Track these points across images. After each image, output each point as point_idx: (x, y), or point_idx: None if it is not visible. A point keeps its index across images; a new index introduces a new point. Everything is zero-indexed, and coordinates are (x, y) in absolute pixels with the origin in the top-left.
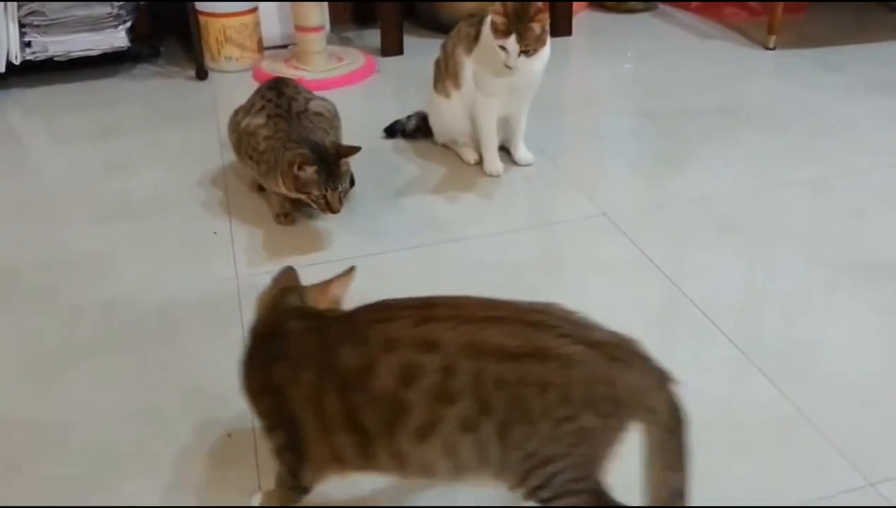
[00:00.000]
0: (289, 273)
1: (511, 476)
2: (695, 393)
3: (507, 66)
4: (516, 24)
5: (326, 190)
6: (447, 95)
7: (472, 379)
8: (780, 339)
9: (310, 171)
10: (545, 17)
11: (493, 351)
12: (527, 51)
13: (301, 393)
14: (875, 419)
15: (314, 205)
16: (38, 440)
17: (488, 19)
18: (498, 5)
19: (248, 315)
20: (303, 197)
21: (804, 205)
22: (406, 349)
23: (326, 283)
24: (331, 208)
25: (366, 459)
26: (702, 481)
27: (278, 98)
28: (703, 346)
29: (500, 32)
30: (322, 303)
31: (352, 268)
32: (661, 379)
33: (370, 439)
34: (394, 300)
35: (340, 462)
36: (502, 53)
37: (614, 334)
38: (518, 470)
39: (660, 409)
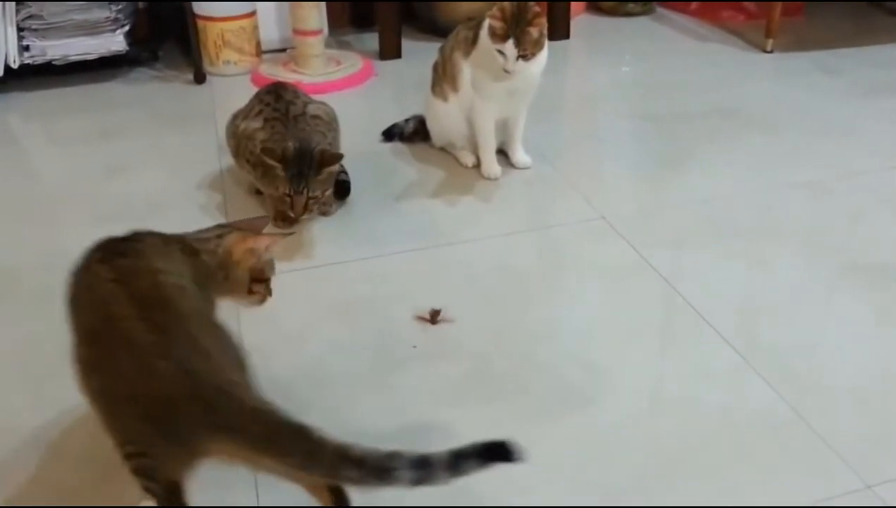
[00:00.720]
0: (259, 222)
1: None
2: (693, 396)
3: (506, 71)
4: (514, 28)
5: (291, 190)
6: (445, 99)
7: None
8: (779, 342)
9: (286, 154)
10: (543, 21)
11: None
12: (525, 55)
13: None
14: (873, 421)
15: (275, 210)
16: (36, 443)
17: (486, 23)
18: (496, 9)
19: (244, 317)
20: (269, 190)
21: (803, 208)
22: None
23: (248, 235)
24: (293, 209)
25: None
26: (700, 484)
27: (276, 102)
28: (702, 350)
29: (498, 37)
30: (236, 253)
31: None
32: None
33: None
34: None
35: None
36: (500, 58)
37: None
38: None
39: None
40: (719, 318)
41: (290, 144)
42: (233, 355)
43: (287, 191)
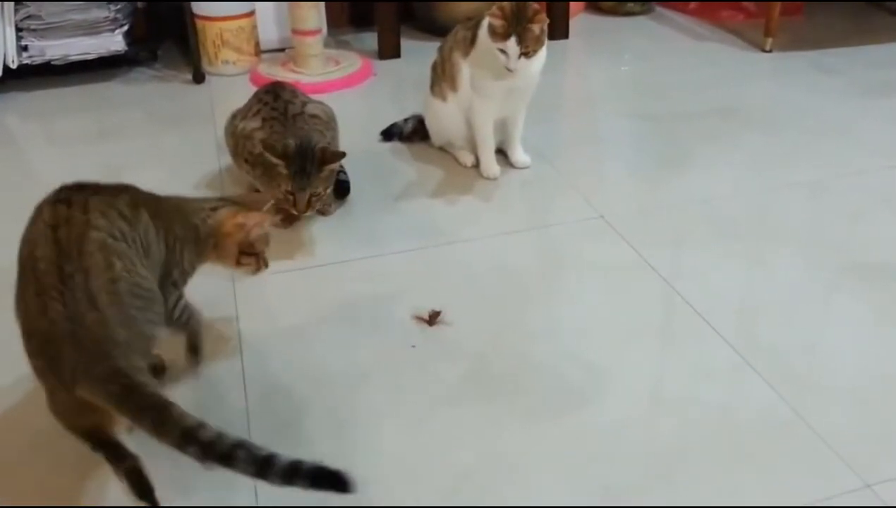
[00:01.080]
0: (261, 198)
1: None
2: (693, 396)
3: (508, 69)
4: (516, 26)
5: (295, 187)
6: (444, 98)
7: None
8: (779, 342)
9: (276, 158)
10: (544, 18)
11: None
12: (527, 52)
13: None
14: (872, 421)
15: (283, 204)
16: (33, 445)
17: (485, 23)
18: (496, 8)
19: (244, 315)
20: (272, 188)
21: (802, 207)
22: None
23: (241, 210)
24: (296, 206)
25: None
26: (699, 484)
27: (275, 101)
28: (701, 350)
29: (499, 35)
30: (226, 226)
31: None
32: None
33: None
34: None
35: None
36: (502, 56)
37: None
38: None
39: None
40: (719, 318)
41: (291, 141)
42: (136, 331)
43: (289, 189)
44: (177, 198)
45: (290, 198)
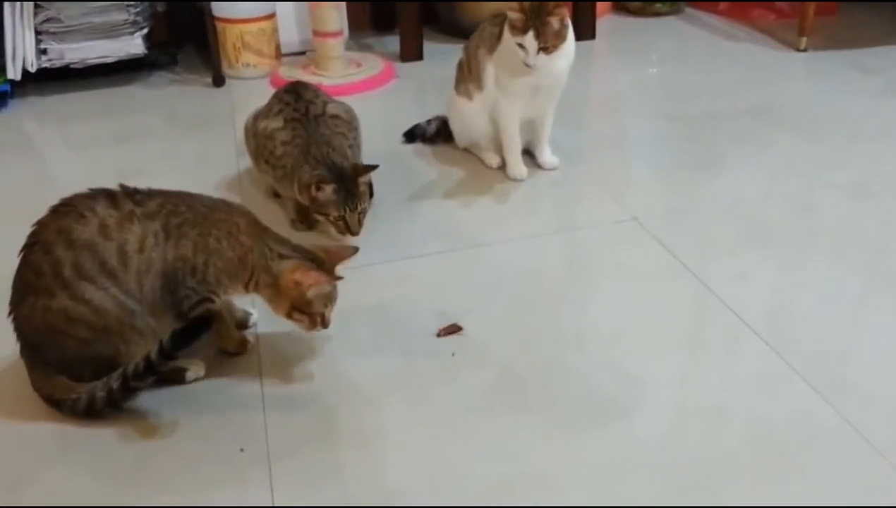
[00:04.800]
0: (346, 251)
1: None
2: (736, 406)
3: (526, 65)
4: (534, 19)
5: (345, 210)
6: (469, 97)
7: None
8: (826, 349)
9: (328, 191)
10: (563, 12)
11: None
12: (546, 47)
13: None
14: None
15: (333, 229)
16: (38, 450)
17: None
18: (515, 3)
19: (263, 319)
20: (321, 218)
21: (841, 210)
22: None
23: (302, 267)
24: (350, 230)
25: None
26: (746, 499)
27: (296, 101)
28: (744, 358)
29: (518, 30)
30: (284, 278)
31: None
32: None
33: None
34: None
35: None
36: (521, 52)
37: None
38: None
39: None
40: (761, 324)
41: (324, 171)
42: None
43: (339, 213)
44: (254, 227)
45: (341, 222)
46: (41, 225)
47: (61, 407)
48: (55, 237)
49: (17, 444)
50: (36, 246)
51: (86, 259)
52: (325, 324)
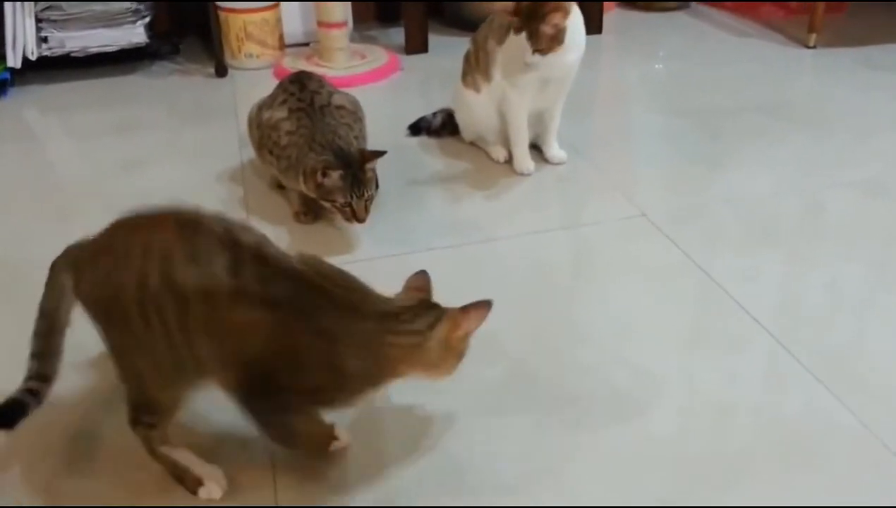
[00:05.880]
0: (482, 306)
1: None
2: (749, 404)
3: (525, 63)
4: (528, 23)
5: (352, 197)
6: (477, 89)
7: None
8: (836, 346)
9: (334, 177)
10: (558, 17)
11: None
12: (540, 50)
13: None
14: None
15: (340, 215)
16: (40, 445)
17: None
18: (510, 4)
19: None
20: (328, 205)
21: (855, 207)
22: None
23: (456, 319)
24: (356, 217)
25: None
26: (758, 491)
27: (301, 91)
28: (754, 353)
29: (515, 30)
30: (452, 342)
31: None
32: None
33: None
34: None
35: None
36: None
37: None
38: None
39: None
40: (774, 321)
41: (330, 156)
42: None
43: (346, 200)
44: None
45: (348, 209)
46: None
47: None
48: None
49: None
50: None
51: None
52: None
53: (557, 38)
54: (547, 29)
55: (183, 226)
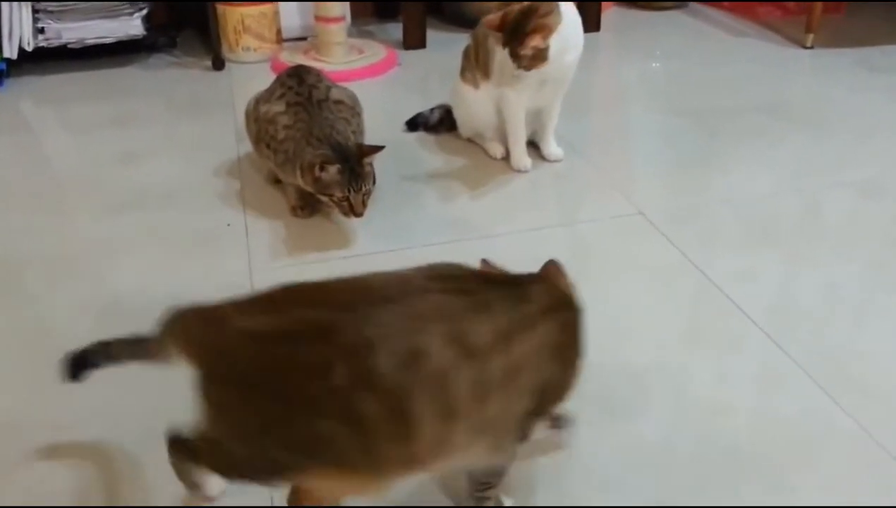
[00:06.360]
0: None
1: None
2: (746, 405)
3: (512, 75)
4: (510, 41)
5: (349, 191)
6: (475, 85)
7: None
8: (833, 347)
9: (332, 171)
10: (537, 39)
11: None
12: (523, 67)
13: None
14: None
15: (338, 210)
16: (39, 440)
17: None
18: (494, 18)
19: None
20: (325, 199)
21: (852, 208)
22: None
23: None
24: (354, 211)
25: None
26: (752, 492)
27: (299, 85)
28: (750, 353)
29: (501, 44)
30: None
31: None
32: None
33: None
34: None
35: None
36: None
37: None
38: None
39: None
40: (768, 321)
41: (328, 150)
42: None
43: (343, 193)
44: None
45: (345, 203)
46: None
47: None
48: None
49: None
50: None
51: None
52: None
53: (539, 57)
54: (526, 52)
55: None
